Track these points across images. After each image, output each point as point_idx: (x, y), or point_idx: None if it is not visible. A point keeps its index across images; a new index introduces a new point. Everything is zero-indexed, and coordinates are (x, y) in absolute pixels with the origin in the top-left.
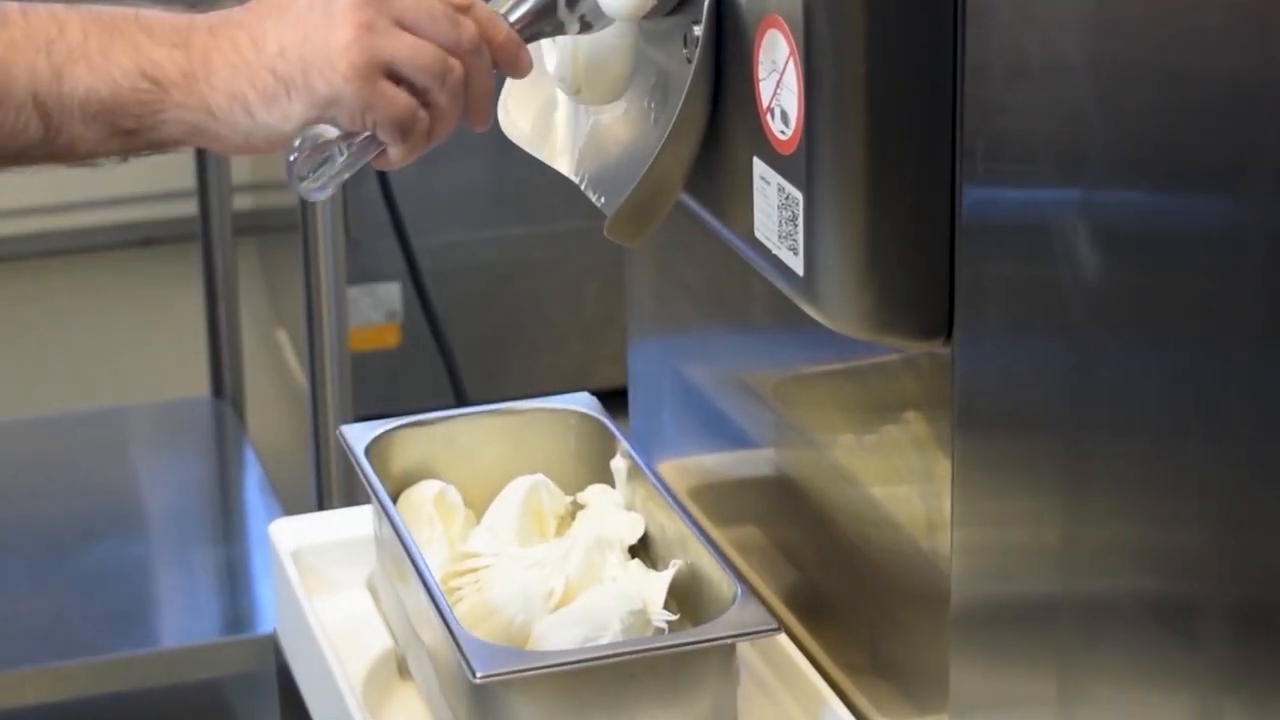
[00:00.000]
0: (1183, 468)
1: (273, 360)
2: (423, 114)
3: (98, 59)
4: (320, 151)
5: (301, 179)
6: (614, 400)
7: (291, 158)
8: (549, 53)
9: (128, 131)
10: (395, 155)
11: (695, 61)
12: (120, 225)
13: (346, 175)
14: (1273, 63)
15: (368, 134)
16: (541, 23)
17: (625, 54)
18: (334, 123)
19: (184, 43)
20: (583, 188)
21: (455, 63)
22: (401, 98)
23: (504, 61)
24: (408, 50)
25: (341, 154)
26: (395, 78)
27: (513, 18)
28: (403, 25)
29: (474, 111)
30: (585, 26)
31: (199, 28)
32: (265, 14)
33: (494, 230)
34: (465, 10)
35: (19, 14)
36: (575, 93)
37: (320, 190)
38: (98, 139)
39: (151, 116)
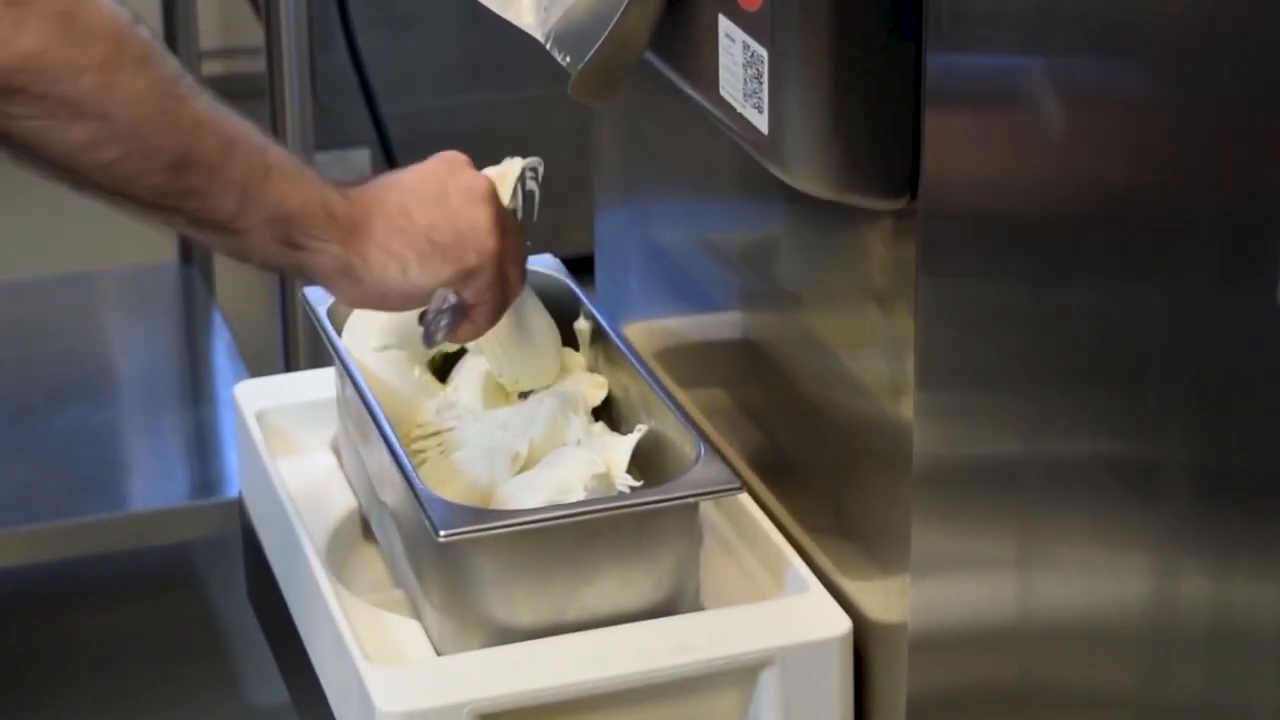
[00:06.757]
0: (1145, 326)
1: None
2: None
3: (295, 178)
4: (445, 312)
5: (433, 333)
6: (584, 266)
7: (432, 314)
8: None
9: (294, 246)
10: (481, 327)
11: None
12: None
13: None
14: None
15: (460, 303)
16: None
17: None
18: (459, 291)
19: (347, 196)
20: (548, 46)
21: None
22: (518, 281)
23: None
24: (516, 248)
25: (449, 317)
26: None
27: None
28: (503, 226)
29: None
30: None
31: (349, 191)
32: (403, 193)
33: (464, 96)
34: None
35: (245, 122)
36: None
37: (436, 344)
38: (269, 242)
39: (316, 241)
